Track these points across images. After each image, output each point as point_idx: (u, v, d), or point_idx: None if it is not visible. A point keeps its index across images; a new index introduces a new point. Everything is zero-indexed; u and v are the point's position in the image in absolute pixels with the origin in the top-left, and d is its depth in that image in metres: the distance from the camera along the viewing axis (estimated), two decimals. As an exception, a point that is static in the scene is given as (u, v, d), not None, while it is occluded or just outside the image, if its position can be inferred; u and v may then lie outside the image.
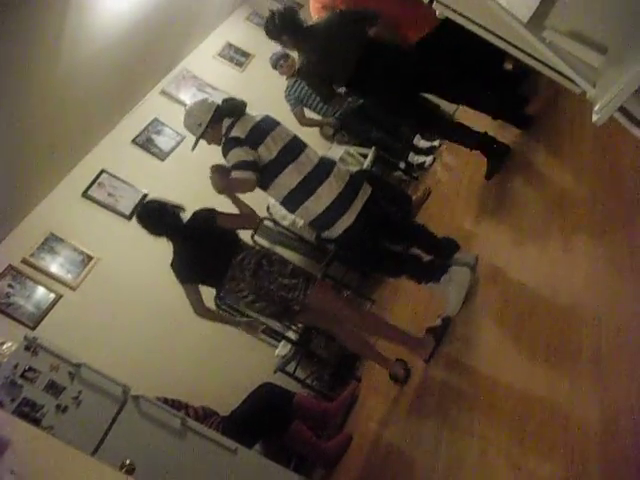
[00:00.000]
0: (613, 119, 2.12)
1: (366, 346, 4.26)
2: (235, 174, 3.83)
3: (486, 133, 4.38)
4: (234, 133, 3.93)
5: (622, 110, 2.14)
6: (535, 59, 2.71)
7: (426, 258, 4.14)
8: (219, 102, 4.06)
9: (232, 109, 4.01)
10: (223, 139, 3.97)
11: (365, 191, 3.98)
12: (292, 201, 3.96)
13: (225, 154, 3.93)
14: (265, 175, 3.90)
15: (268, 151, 3.89)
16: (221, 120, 3.99)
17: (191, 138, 4.11)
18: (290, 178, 3.89)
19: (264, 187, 3.99)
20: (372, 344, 4.37)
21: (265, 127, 3.97)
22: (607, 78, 2.18)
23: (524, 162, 4.19)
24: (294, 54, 4.92)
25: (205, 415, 4.77)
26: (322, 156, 4.08)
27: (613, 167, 2.99)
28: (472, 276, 3.83)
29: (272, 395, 4.89)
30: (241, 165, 3.82)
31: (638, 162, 2.76)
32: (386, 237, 4.21)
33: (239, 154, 3.85)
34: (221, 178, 3.89)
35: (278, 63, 6.29)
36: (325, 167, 3.96)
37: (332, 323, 4.16)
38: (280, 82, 6.41)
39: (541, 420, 2.46)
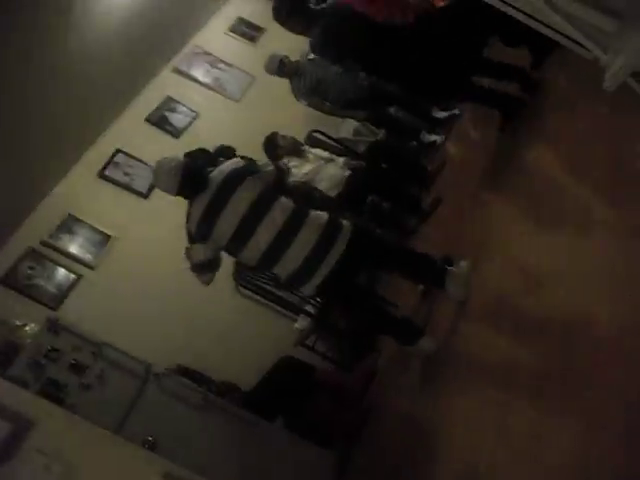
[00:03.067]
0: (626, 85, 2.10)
1: None
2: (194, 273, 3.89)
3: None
4: (188, 224, 3.80)
5: (635, 76, 2.12)
6: (546, 25, 2.67)
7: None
8: (181, 164, 3.78)
9: (191, 186, 3.76)
10: None
11: (344, 235, 3.73)
12: (264, 265, 3.85)
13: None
14: (231, 246, 3.78)
15: (226, 227, 3.70)
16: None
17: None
18: (258, 243, 3.69)
19: (234, 255, 3.92)
20: None
21: (222, 197, 3.69)
22: (620, 43, 2.15)
23: (537, 130, 4.15)
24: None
25: (226, 390, 4.82)
26: (295, 206, 3.79)
27: (629, 133, 2.96)
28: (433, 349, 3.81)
29: (292, 369, 4.91)
30: (196, 268, 3.84)
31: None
32: (374, 265, 4.18)
33: (195, 253, 3.81)
34: None
35: (280, 69, 5.91)
36: (296, 221, 3.71)
37: None
38: (294, 55, 6.28)
39: (560, 385, 2.47)
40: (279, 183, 3.92)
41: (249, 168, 3.83)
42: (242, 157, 3.93)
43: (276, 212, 3.70)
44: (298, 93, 5.97)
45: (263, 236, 3.67)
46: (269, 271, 3.96)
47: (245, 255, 3.80)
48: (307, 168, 5.53)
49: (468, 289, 3.77)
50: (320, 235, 3.69)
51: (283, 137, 5.75)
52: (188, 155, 3.89)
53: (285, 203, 3.78)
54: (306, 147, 5.97)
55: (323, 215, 3.83)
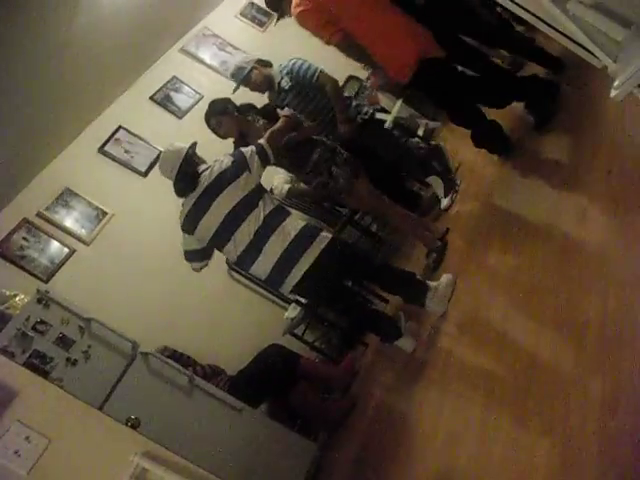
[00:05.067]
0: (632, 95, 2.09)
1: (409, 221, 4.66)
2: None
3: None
4: (180, 219, 4.04)
5: (642, 87, 2.11)
6: (557, 31, 2.67)
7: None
8: (186, 150, 3.98)
9: (183, 187, 3.99)
10: None
11: (319, 243, 3.84)
12: (244, 262, 3.97)
13: None
14: (213, 243, 3.99)
15: (207, 228, 3.92)
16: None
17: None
18: (235, 245, 3.88)
19: (219, 249, 4.04)
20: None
21: (206, 201, 3.88)
22: (629, 53, 2.15)
23: (541, 136, 4.14)
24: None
25: (213, 373, 4.83)
26: (274, 208, 3.93)
27: (632, 142, 2.96)
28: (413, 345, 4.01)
29: (279, 357, 4.92)
30: (186, 255, 4.16)
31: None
32: (350, 277, 4.38)
33: (185, 243, 4.12)
34: None
35: (245, 78, 5.04)
36: (271, 223, 3.85)
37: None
38: (302, 42, 5.95)
39: (542, 396, 2.47)
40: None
41: (233, 175, 3.90)
42: (233, 154, 4.03)
43: (252, 218, 3.85)
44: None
45: (240, 239, 3.85)
46: (248, 270, 4.06)
47: (225, 252, 4.03)
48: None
49: (446, 305, 3.87)
50: (292, 239, 3.81)
51: None
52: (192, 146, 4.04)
53: (262, 208, 3.89)
54: None
55: (300, 222, 3.97)
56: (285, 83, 5.00)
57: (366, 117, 5.16)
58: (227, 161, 3.95)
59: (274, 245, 3.79)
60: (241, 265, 4.10)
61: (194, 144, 4.06)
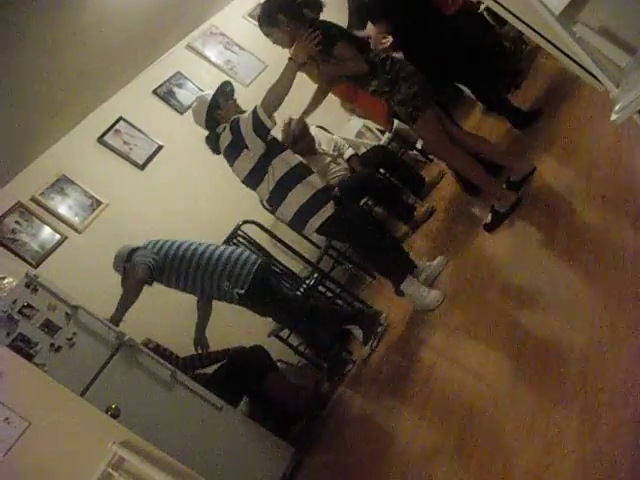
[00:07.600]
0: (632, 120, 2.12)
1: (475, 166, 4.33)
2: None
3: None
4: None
5: (642, 112, 2.14)
6: (563, 53, 2.70)
7: None
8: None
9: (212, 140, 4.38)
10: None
11: (325, 211, 4.18)
12: (271, 204, 4.40)
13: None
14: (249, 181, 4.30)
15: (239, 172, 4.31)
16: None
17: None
18: (263, 190, 4.25)
19: (252, 188, 4.36)
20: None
21: (228, 159, 4.31)
22: (632, 79, 2.18)
23: (540, 154, 4.18)
24: None
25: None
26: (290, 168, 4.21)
27: (628, 165, 2.99)
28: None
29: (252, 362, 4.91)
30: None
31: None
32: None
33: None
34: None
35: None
36: (294, 177, 4.20)
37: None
38: None
39: (519, 422, 2.49)
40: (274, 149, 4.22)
41: (233, 153, 4.21)
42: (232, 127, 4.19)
43: (276, 170, 4.16)
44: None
45: (266, 185, 4.20)
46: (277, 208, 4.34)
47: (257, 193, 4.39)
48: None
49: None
50: (314, 193, 4.17)
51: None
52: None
53: (284, 160, 4.20)
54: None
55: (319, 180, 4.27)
56: None
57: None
58: (228, 135, 4.21)
59: (297, 194, 4.15)
60: (271, 204, 4.43)
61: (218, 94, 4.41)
